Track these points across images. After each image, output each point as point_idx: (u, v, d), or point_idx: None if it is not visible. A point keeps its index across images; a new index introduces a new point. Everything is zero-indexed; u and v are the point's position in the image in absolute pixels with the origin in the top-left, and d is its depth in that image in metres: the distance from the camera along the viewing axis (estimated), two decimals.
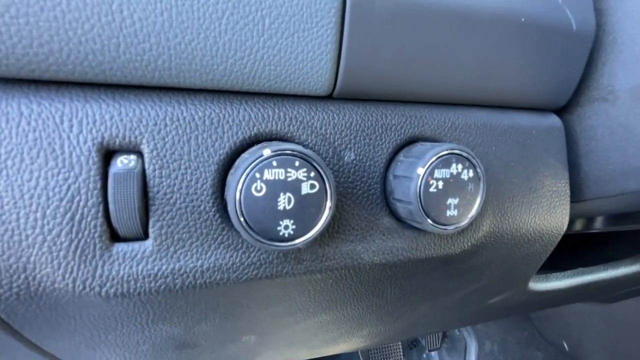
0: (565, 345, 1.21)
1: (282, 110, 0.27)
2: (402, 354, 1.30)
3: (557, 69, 0.35)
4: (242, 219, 0.23)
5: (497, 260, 0.40)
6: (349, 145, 0.29)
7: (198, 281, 0.26)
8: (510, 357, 1.38)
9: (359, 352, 1.28)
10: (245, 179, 0.23)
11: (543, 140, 0.37)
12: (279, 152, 0.23)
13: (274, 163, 0.23)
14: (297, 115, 0.28)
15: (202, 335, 0.34)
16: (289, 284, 0.31)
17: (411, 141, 0.32)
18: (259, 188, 0.23)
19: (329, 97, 0.29)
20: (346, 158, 0.29)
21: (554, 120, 0.38)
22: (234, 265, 0.27)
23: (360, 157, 0.30)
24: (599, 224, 0.56)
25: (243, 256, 0.27)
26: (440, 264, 0.36)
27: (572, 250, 0.71)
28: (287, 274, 0.29)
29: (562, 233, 0.41)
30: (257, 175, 0.23)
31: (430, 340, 1.43)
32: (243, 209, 0.23)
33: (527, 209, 0.38)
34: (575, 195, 0.41)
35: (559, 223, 0.40)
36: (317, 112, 0.29)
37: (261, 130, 0.27)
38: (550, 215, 0.39)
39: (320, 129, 0.29)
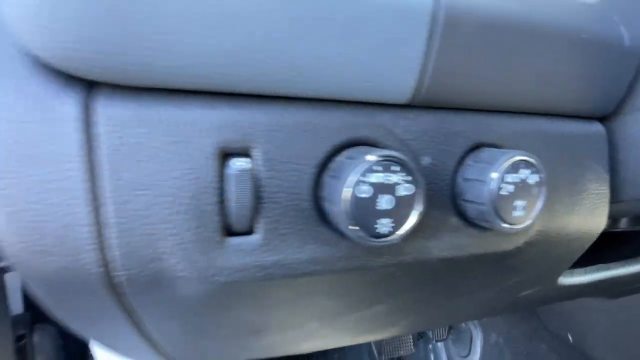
0: (569, 337, 1.25)
1: (369, 118, 0.30)
2: (412, 344, 1.34)
3: (607, 81, 0.38)
4: (348, 218, 0.26)
5: (539, 256, 0.43)
6: (425, 150, 0.32)
7: (296, 272, 0.29)
8: (515, 348, 1.42)
9: (372, 342, 1.32)
10: (353, 181, 0.26)
11: (587, 146, 0.40)
12: (383, 157, 0.26)
13: (378, 168, 0.26)
14: (382, 123, 0.30)
15: (275, 321, 0.37)
16: (364, 276, 0.34)
17: (476, 146, 0.34)
18: (363, 190, 0.26)
19: (406, 105, 0.32)
20: (422, 162, 0.32)
21: (598, 127, 0.41)
22: (326, 258, 0.30)
23: (434, 161, 0.33)
24: (623, 224, 0.59)
25: (333, 250, 0.30)
26: (494, 260, 0.39)
27: (592, 248, 0.75)
28: (369, 267, 0.31)
29: (600, 232, 0.44)
30: (363, 178, 0.26)
31: (437, 332, 1.47)
32: (349, 209, 0.26)
33: (571, 209, 0.41)
34: (612, 197, 0.44)
35: (598, 223, 0.43)
36: (399, 120, 0.31)
37: (351, 135, 0.29)
38: (591, 215, 0.42)
39: (401, 135, 0.31)
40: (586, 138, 0.40)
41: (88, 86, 0.24)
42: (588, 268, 0.65)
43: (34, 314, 0.76)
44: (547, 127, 0.38)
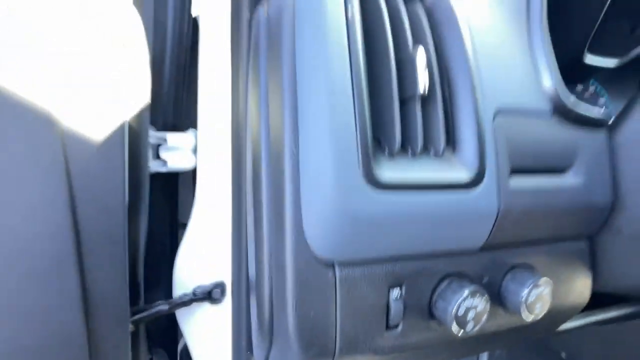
0: (563, 355, 1.49)
1: (458, 261, 0.54)
2: None
3: (590, 221, 0.62)
4: (453, 322, 0.50)
5: (545, 320, 0.68)
6: (485, 274, 0.56)
7: (417, 347, 0.53)
8: None
9: None
10: (458, 305, 0.50)
11: (577, 256, 0.65)
12: (472, 291, 0.50)
13: (469, 296, 0.50)
14: (464, 262, 0.55)
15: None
16: (443, 344, 0.58)
17: (513, 267, 0.59)
18: (462, 310, 0.50)
19: (476, 251, 0.56)
20: (484, 280, 0.56)
21: (584, 244, 0.66)
22: (433, 339, 0.54)
23: (489, 280, 0.57)
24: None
25: (436, 334, 0.54)
26: (515, 326, 0.63)
27: None
28: (453, 340, 0.56)
29: (586, 303, 0.69)
30: (462, 303, 0.50)
31: None
32: (454, 319, 0.50)
33: (567, 294, 0.65)
34: (593, 284, 0.69)
35: (584, 299, 0.68)
36: (471, 259, 0.55)
37: (448, 271, 0.54)
38: (580, 296, 0.67)
39: (473, 266, 0.56)
40: (576, 251, 0.65)
41: (333, 263, 0.48)
42: (578, 315, 0.90)
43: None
44: (552, 248, 0.63)
